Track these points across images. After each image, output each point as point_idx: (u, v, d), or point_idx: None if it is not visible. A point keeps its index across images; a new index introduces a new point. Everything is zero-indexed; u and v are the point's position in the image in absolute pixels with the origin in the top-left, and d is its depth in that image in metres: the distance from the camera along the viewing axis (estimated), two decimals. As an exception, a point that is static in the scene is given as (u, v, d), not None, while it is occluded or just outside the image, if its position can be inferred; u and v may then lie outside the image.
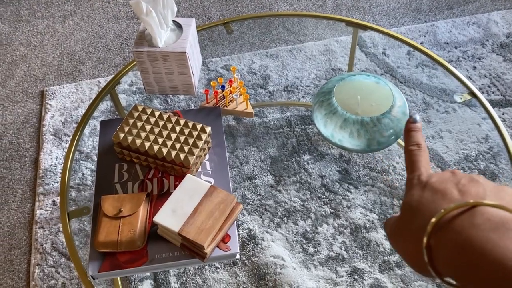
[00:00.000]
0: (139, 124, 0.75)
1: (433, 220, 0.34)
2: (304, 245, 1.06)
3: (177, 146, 0.73)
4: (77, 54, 1.50)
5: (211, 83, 0.87)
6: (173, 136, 0.74)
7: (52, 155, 1.24)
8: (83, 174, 1.20)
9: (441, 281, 0.35)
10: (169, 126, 0.75)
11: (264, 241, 1.06)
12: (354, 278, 1.01)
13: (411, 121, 0.46)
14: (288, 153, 1.22)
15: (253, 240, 1.06)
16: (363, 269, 1.02)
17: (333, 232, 1.08)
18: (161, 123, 0.76)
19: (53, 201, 1.16)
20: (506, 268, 0.29)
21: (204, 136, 0.75)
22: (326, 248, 1.05)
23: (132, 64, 0.95)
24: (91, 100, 1.36)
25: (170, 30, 0.85)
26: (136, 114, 0.76)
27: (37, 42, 1.55)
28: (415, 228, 0.36)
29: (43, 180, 1.19)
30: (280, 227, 1.09)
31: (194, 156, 0.73)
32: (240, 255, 1.04)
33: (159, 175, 0.76)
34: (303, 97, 1.34)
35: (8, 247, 1.10)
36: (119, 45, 1.53)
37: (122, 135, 0.74)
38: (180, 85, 0.87)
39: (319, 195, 1.14)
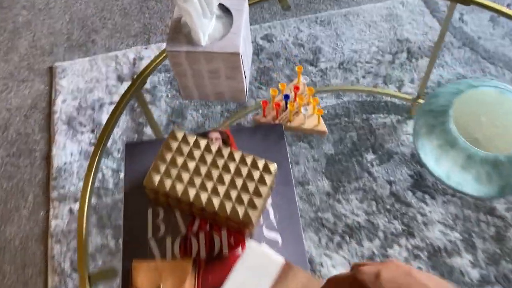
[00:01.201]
0: (180, 160, 0.55)
1: None
2: (372, 272, 0.87)
3: (233, 195, 0.53)
4: (89, 20, 1.27)
5: (271, 91, 0.64)
6: (227, 179, 0.54)
7: (66, 151, 1.05)
8: (103, 174, 1.01)
9: None
10: (220, 163, 0.55)
11: (323, 266, 0.88)
12: (434, 316, 0.83)
13: None
14: (347, 151, 1.01)
15: (310, 265, 0.89)
16: (444, 305, 0.84)
17: (407, 256, 0.89)
18: (208, 158, 0.55)
19: (70, 209, 0.98)
20: None
21: (268, 180, 0.54)
22: (398, 277, 0.87)
23: (161, 57, 0.72)
24: (107, 79, 1.15)
25: (215, 17, 0.62)
26: (174, 146, 0.56)
27: (42, 5, 1.31)
28: None
29: (57, 182, 1.02)
30: (341, 248, 0.90)
31: (258, 210, 0.52)
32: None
33: (207, 228, 0.57)
34: (363, 77, 1.10)
35: (21, 265, 0.94)
36: (138, 8, 1.28)
37: (157, 179, 0.54)
38: (228, 91, 0.65)
39: (388, 206, 0.94)
